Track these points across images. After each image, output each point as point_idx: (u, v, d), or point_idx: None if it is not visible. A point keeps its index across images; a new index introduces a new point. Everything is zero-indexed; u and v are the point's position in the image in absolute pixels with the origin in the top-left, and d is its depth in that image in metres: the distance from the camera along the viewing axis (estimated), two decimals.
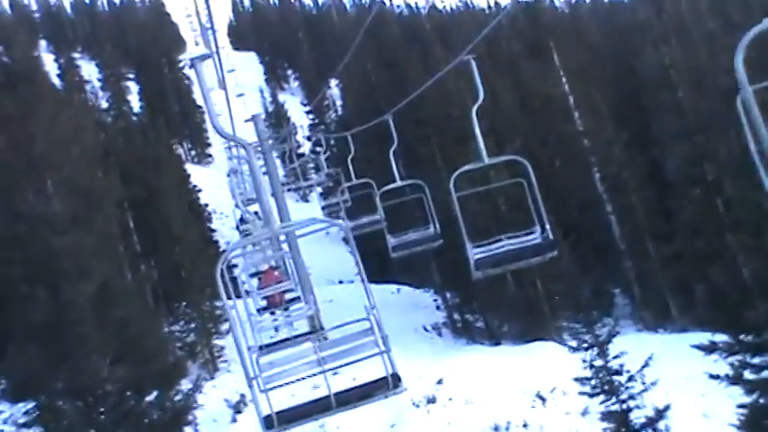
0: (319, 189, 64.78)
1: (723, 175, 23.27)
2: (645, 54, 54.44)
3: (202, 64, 10.83)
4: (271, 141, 50.78)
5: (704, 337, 35.63)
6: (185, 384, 32.10)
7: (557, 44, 54.06)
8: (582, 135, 52.62)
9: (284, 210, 45.59)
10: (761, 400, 22.09)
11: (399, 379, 10.96)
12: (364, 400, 11.16)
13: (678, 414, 26.82)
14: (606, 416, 24.76)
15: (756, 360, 22.43)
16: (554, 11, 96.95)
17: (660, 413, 24.53)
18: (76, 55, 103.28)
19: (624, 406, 24.40)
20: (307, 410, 11.22)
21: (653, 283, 50.23)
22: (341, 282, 62.10)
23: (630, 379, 24.65)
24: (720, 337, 23.22)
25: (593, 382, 24.88)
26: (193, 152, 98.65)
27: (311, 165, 68.17)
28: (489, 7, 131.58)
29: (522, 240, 15.48)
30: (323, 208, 52.53)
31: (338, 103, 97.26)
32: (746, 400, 23.42)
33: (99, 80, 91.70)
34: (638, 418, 24.54)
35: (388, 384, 10.94)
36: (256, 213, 39.65)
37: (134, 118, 78.29)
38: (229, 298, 11.33)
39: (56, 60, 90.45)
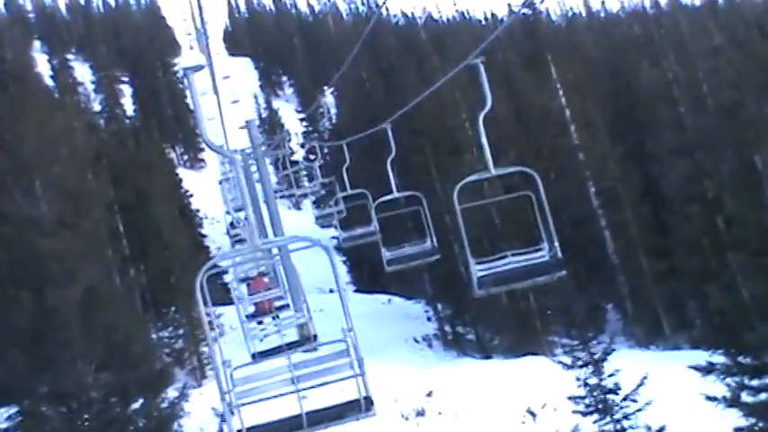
0: (312, 197, 64.38)
1: (724, 192, 22.80)
2: (642, 69, 54.18)
3: (194, 74, 10.71)
4: (264, 148, 50.42)
5: (698, 356, 35.25)
6: (172, 392, 31.60)
7: (553, 57, 53.74)
8: (577, 149, 52.27)
9: (276, 217, 45.22)
10: (760, 424, 21.65)
11: (372, 402, 11.06)
12: (336, 421, 11.27)
13: None
14: None
15: (755, 382, 21.98)
16: (550, 24, 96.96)
17: None
18: (70, 56, 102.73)
19: (618, 426, 23.94)
20: (278, 428, 11.32)
21: (646, 300, 49.88)
22: (331, 291, 61.58)
23: (625, 398, 24.20)
24: (718, 359, 22.74)
25: (587, 400, 24.41)
26: (186, 157, 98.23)
27: (304, 172, 67.84)
28: (486, 18, 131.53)
29: (528, 258, 14.62)
30: (317, 218, 52.22)
31: (332, 111, 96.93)
32: (742, 422, 23.02)
33: (92, 82, 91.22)
34: None
35: (360, 407, 11.05)
36: (247, 219, 39.27)
37: (127, 121, 77.83)
38: (207, 312, 11.35)
39: (49, 61, 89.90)
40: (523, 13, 54.86)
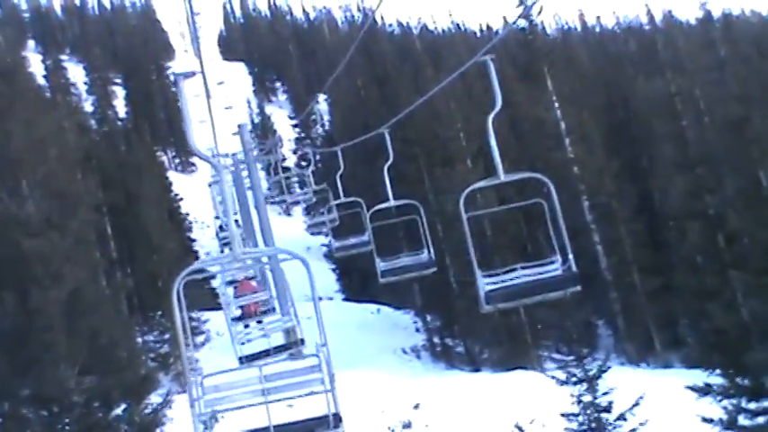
0: (304, 204, 64.03)
1: (727, 209, 22.38)
2: (638, 84, 53.92)
3: (185, 80, 10.88)
4: (255, 152, 49.99)
5: (692, 375, 34.89)
6: (155, 398, 31.09)
7: (549, 69, 53.40)
8: (572, 162, 51.90)
9: (266, 223, 44.76)
10: None
11: (340, 420, 11.05)
12: None
13: None
14: None
15: (752, 405, 21.51)
16: (546, 37, 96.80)
17: None
18: (64, 57, 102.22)
19: None
20: None
21: (638, 317, 49.54)
22: (320, 299, 61.08)
23: (620, 417, 23.73)
24: (715, 380, 22.27)
25: (580, 418, 23.93)
26: (177, 160, 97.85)
27: (295, 179, 67.38)
28: (481, 30, 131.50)
29: (539, 271, 13.88)
30: (309, 226, 51.80)
31: (326, 118, 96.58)
32: None
33: (85, 83, 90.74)
34: None
35: (328, 423, 11.05)
36: (237, 222, 38.81)
37: (118, 123, 77.37)
38: (182, 318, 11.27)
39: (43, 61, 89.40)
40: (520, 27, 54.53)
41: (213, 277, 46.21)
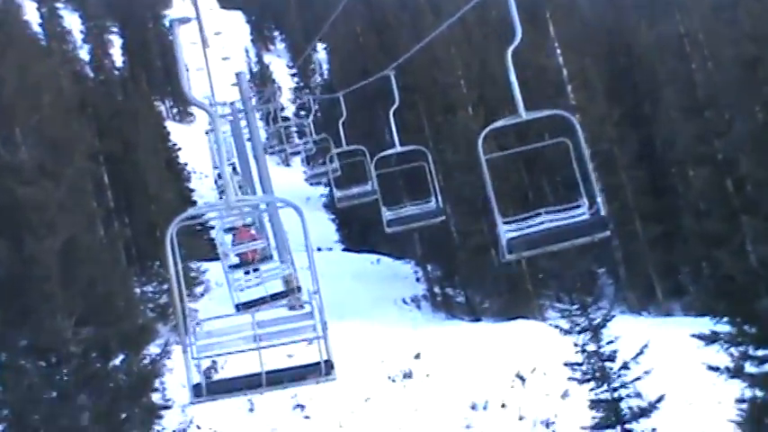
0: (304, 154, 63.51)
1: (737, 153, 21.78)
2: (641, 29, 53.18)
3: (180, 26, 10.93)
4: (254, 101, 49.45)
5: (694, 323, 34.64)
6: (154, 348, 30.82)
7: (552, 15, 52.62)
8: (574, 109, 51.31)
9: (265, 173, 44.37)
10: (760, 394, 20.87)
11: (332, 366, 11.14)
12: (296, 383, 11.55)
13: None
14: (595, 404, 23.50)
15: (760, 353, 21.15)
16: None
17: (653, 405, 23.30)
18: (60, 5, 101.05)
19: (616, 394, 23.15)
20: (236, 385, 11.57)
21: (639, 265, 49.19)
22: (319, 249, 60.82)
23: (624, 366, 23.39)
24: (721, 328, 21.86)
25: (584, 367, 23.58)
26: (175, 110, 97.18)
27: (294, 129, 66.82)
28: None
29: (565, 216, 13.08)
30: (309, 177, 51.26)
31: (324, 66, 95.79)
32: (735, 388, 22.25)
33: (81, 32, 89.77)
34: (629, 407, 23.30)
35: (320, 370, 11.16)
36: (234, 169, 38.38)
37: (115, 72, 76.68)
38: (176, 264, 11.29)
39: (38, 9, 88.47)
40: None
41: (213, 228, 45.99)
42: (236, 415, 34.33)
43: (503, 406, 33.39)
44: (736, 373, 21.35)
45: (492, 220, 12.90)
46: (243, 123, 43.73)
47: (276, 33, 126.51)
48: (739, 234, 21.49)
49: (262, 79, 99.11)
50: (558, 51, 52.04)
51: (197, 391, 11.14)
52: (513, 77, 12.23)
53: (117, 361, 27.73)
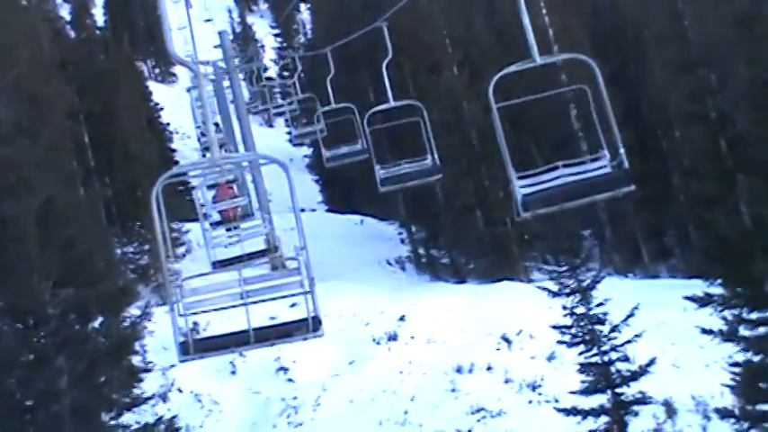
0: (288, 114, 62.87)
1: (733, 111, 21.34)
2: None
3: None
4: (237, 60, 48.72)
5: (680, 285, 34.34)
6: (135, 310, 30.36)
7: None
8: (560, 70, 50.77)
9: (248, 132, 43.81)
10: (754, 359, 20.55)
11: (320, 322, 11.04)
12: (283, 339, 11.45)
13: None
14: (585, 367, 23.12)
15: (753, 315, 20.80)
16: None
17: (644, 368, 22.95)
18: None
19: (606, 358, 22.77)
20: (224, 342, 11.43)
21: (625, 227, 48.87)
22: (303, 210, 60.24)
23: (614, 329, 22.99)
24: (713, 290, 21.47)
25: (573, 330, 23.18)
26: (157, 70, 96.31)
27: (278, 90, 66.12)
28: None
29: (585, 169, 12.43)
30: (295, 137, 50.57)
31: (308, 26, 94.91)
32: (723, 351, 21.93)
33: None
34: (619, 371, 22.93)
35: (308, 326, 11.05)
36: (217, 125, 37.81)
37: (97, 32, 75.63)
38: (162, 226, 11.33)
39: None
40: None
41: (194, 188, 45.41)
42: (218, 378, 34.00)
43: (488, 368, 33.07)
44: (729, 336, 20.99)
45: (506, 176, 12.09)
46: (226, 84, 43.09)
47: None
48: (732, 194, 21.05)
49: (245, 40, 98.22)
50: (544, 11, 51.39)
51: (184, 349, 10.99)
52: (526, 21, 11.61)
53: (96, 323, 27.16)
